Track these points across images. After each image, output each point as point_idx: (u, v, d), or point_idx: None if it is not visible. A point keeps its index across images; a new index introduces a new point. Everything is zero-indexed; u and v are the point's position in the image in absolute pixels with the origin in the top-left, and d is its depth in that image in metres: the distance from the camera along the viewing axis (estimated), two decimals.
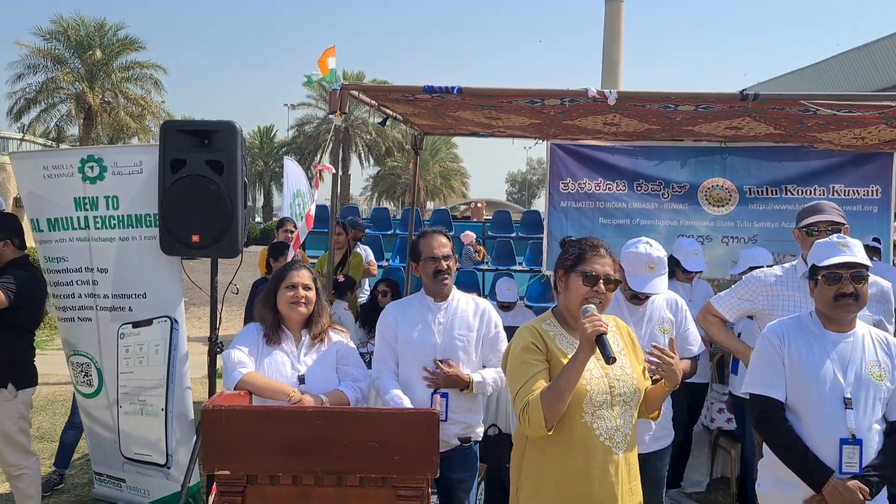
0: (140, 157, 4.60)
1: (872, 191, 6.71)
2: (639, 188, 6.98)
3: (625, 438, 2.81)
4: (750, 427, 4.80)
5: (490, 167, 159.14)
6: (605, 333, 2.67)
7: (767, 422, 2.96)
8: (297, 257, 3.57)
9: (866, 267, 2.90)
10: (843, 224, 3.75)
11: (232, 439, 2.86)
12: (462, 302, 3.75)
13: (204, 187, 4.30)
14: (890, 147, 6.13)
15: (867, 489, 2.79)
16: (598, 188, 7.01)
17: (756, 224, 6.83)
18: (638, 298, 3.70)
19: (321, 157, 42.14)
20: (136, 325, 4.58)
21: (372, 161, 48.70)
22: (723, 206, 6.88)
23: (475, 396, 3.68)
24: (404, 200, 47.91)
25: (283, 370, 3.50)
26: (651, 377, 2.93)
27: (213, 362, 4.58)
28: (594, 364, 2.76)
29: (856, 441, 2.82)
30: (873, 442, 2.86)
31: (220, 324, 4.59)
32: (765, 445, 3.10)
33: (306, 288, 3.58)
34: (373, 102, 5.65)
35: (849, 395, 2.86)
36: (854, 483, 2.79)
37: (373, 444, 2.83)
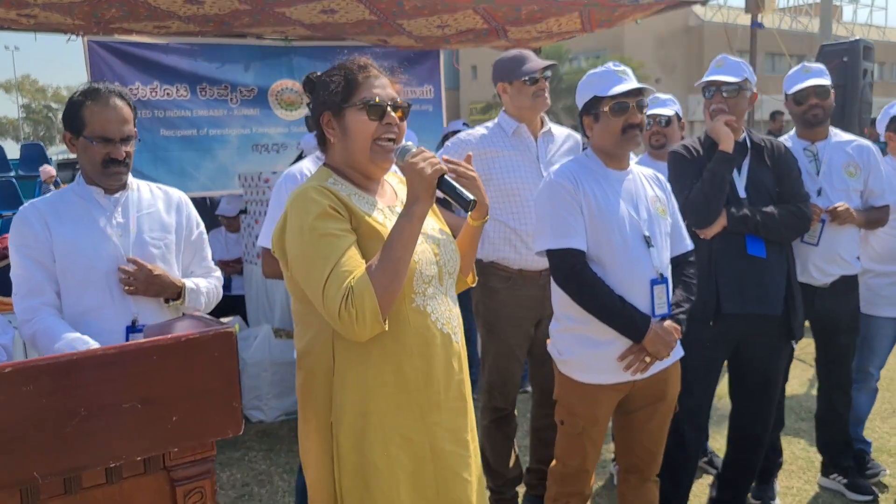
0: None
1: (426, 91, 6.88)
2: (203, 93, 5.98)
3: (459, 321, 2.16)
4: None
5: None
6: (446, 172, 1.99)
7: (577, 276, 2.57)
8: None
9: (647, 92, 2.68)
10: (555, 64, 3.52)
11: None
12: (145, 191, 2.56)
13: None
14: (459, 39, 6.25)
15: (679, 328, 2.64)
16: (154, 94, 5.80)
17: None
18: None
19: None
20: None
21: None
22: (295, 109, 6.33)
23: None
24: None
25: None
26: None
27: None
28: None
29: (663, 279, 2.63)
30: (670, 279, 2.72)
31: None
32: (559, 308, 2.74)
33: None
34: None
35: (647, 233, 2.64)
36: (669, 323, 2.62)
37: (134, 405, 1.67)
